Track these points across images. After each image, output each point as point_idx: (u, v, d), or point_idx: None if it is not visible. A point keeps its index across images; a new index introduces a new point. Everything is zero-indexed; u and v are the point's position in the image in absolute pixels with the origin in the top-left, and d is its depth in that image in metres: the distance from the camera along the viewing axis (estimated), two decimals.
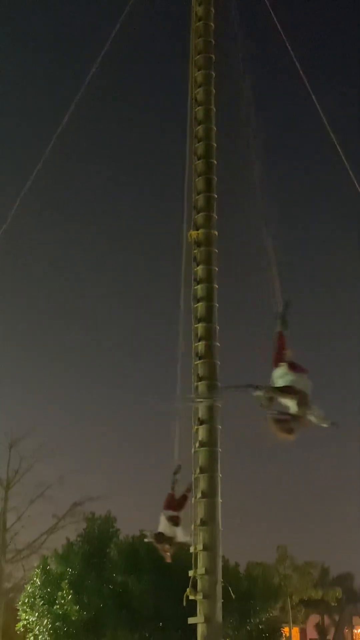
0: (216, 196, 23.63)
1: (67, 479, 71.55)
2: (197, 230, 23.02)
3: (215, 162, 23.70)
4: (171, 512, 16.22)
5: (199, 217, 23.27)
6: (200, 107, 22.45)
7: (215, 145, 23.50)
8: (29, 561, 47.39)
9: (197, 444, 21.73)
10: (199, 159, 23.56)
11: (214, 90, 22.39)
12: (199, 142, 23.55)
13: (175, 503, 16.35)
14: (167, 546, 15.86)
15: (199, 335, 22.62)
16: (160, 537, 16.62)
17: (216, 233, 23.31)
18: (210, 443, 21.75)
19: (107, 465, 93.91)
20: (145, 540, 16.81)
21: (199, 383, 22.18)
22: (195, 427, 21.87)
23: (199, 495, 21.28)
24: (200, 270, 22.91)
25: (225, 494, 21.94)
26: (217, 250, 23.38)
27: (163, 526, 16.23)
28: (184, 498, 16.00)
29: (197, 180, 23.58)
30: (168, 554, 16.15)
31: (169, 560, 16.94)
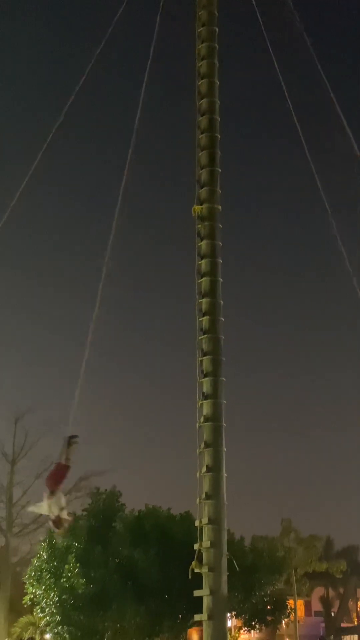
0: (220, 170, 23.49)
1: (74, 454, 71.91)
2: (201, 204, 22.93)
3: (219, 136, 23.54)
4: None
5: (203, 192, 23.14)
6: (203, 80, 22.26)
7: (219, 119, 23.33)
8: (35, 535, 47.83)
9: (201, 419, 21.81)
10: (202, 133, 23.40)
11: (217, 63, 22.19)
12: (202, 116, 23.39)
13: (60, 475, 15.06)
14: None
15: (203, 310, 22.60)
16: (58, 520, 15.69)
17: (220, 208, 23.20)
18: (214, 418, 21.82)
19: (112, 441, 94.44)
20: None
21: (204, 358, 22.22)
22: (200, 402, 21.94)
23: (204, 469, 21.39)
24: (204, 245, 22.82)
25: (230, 469, 22.04)
26: (221, 225, 23.30)
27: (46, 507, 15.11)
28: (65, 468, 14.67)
29: (200, 154, 23.45)
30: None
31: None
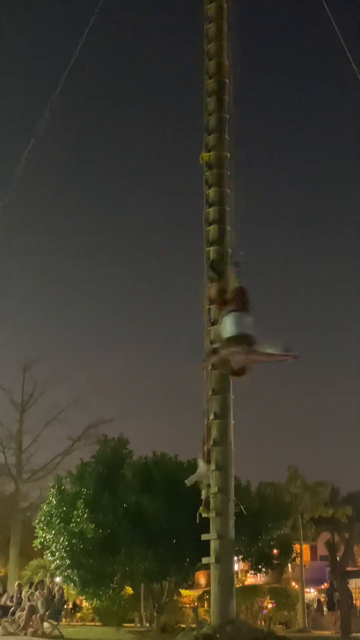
0: (228, 117, 23.18)
1: (81, 402, 72.66)
2: (209, 152, 22.70)
3: (227, 81, 23.18)
4: None
5: (211, 139, 22.90)
6: (211, 24, 21.86)
7: (228, 63, 22.94)
8: (44, 481, 48.61)
9: (209, 367, 21.91)
10: (210, 78, 23.05)
11: (225, 6, 21.75)
12: (210, 60, 23.01)
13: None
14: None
15: (211, 258, 22.54)
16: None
17: (228, 155, 22.97)
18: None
19: (120, 389, 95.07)
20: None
21: (211, 306, 22.21)
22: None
23: (211, 416, 21.55)
24: (211, 193, 22.68)
25: (237, 416, 22.21)
26: (229, 173, 23.08)
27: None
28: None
29: (208, 100, 23.12)
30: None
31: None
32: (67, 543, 27.44)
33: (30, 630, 26.22)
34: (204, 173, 22.83)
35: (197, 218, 22.97)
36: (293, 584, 44.11)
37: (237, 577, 31.10)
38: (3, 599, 29.83)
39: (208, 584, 30.88)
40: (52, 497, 29.32)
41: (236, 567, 29.16)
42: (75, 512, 27.36)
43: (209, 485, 18.84)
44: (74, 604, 42.46)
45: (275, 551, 32.46)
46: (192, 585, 42.09)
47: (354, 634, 31.09)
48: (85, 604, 40.52)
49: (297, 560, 36.88)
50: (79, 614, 42.43)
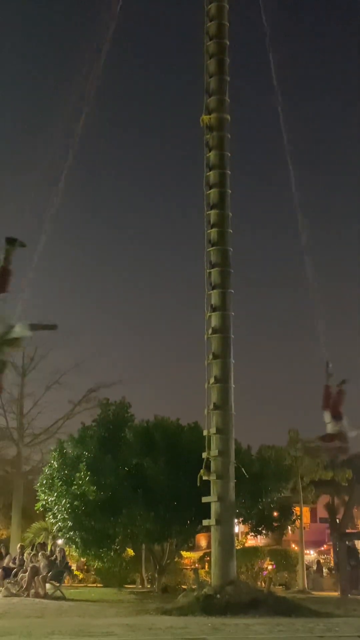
0: (229, 79, 22.97)
1: (82, 366, 72.71)
2: (209, 114, 22.55)
3: (228, 42, 22.94)
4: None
5: (212, 101, 22.76)
6: None
7: (229, 24, 22.72)
8: (46, 445, 48.76)
9: (209, 331, 21.98)
10: (210, 39, 22.81)
11: None
12: (211, 21, 22.77)
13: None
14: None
15: (211, 222, 22.51)
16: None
17: (229, 117, 22.81)
18: (223, 330, 22.02)
19: (122, 353, 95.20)
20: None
21: (212, 270, 22.24)
22: (208, 314, 22.07)
23: (212, 380, 21.67)
24: (212, 156, 22.58)
25: (237, 380, 22.29)
26: (229, 135, 22.93)
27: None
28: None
29: (208, 62, 22.90)
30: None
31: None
32: (68, 505, 27.67)
33: (32, 591, 26.56)
34: (204, 135, 22.71)
35: (198, 182, 22.86)
36: (293, 545, 44.52)
37: (237, 539, 31.41)
38: (5, 561, 30.13)
39: (209, 546, 31.19)
40: (54, 460, 29.50)
41: (236, 529, 29.45)
42: (77, 475, 27.55)
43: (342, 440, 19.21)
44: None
45: (275, 513, 32.73)
46: (192, 547, 42.52)
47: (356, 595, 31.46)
48: (74, 567, 40.99)
49: (297, 522, 37.19)
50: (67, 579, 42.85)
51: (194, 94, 22.32)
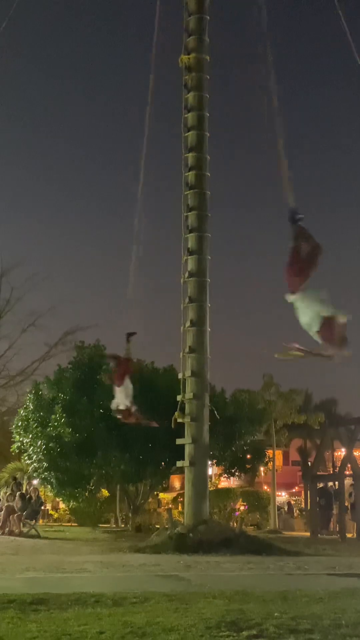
0: (209, 18, 22.59)
1: (59, 309, 72.58)
2: (189, 54, 22.21)
3: None
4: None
5: (190, 41, 22.41)
6: None
7: None
8: (21, 387, 48.85)
9: (186, 275, 21.99)
10: None
11: None
12: None
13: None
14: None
15: (189, 164, 22.34)
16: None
17: (208, 58, 22.50)
18: (199, 273, 22.04)
19: (97, 296, 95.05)
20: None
21: (189, 213, 22.16)
22: (185, 257, 22.05)
23: (187, 324, 21.76)
24: (191, 97, 22.32)
25: (213, 324, 22.37)
26: (208, 77, 22.64)
27: None
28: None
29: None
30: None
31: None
32: (44, 447, 27.87)
33: (7, 529, 26.92)
34: (182, 76, 22.41)
35: (177, 124, 22.62)
36: (265, 487, 45.20)
37: (210, 481, 31.85)
38: None
39: (182, 487, 31.61)
40: (30, 402, 29.61)
41: (210, 470, 29.80)
42: (52, 417, 27.69)
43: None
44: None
45: (248, 456, 33.15)
46: (166, 489, 43.08)
47: (330, 536, 32.14)
48: (49, 507, 41.43)
49: (270, 464, 37.72)
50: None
51: (174, 33, 21.93)
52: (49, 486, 29.93)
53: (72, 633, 7.12)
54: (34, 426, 28.50)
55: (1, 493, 30.46)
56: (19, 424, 29.58)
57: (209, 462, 27.67)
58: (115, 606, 8.95)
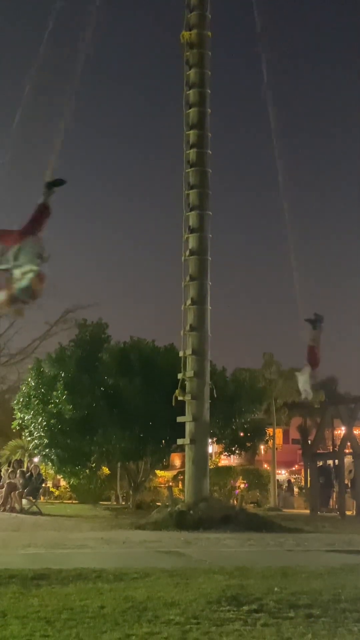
0: None
1: (60, 288, 72.33)
2: (190, 30, 22.05)
3: None
4: None
5: (192, 16, 22.25)
6: None
7: None
8: (22, 365, 48.82)
9: (187, 253, 21.96)
10: None
11: None
12: None
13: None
14: None
15: (190, 142, 22.25)
16: None
17: (210, 34, 22.34)
18: (200, 252, 22.02)
19: (99, 275, 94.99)
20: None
21: (190, 191, 22.10)
22: (186, 235, 22.02)
23: (188, 302, 21.76)
24: (192, 74, 22.18)
25: (214, 303, 22.40)
26: (210, 53, 22.49)
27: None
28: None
29: None
30: None
31: None
32: (45, 423, 27.94)
33: (9, 506, 27.08)
34: (184, 53, 22.28)
35: (179, 101, 22.51)
36: (265, 465, 45.37)
37: (210, 459, 31.96)
38: None
39: (183, 465, 31.76)
40: (31, 379, 29.64)
41: (210, 448, 29.89)
42: (54, 394, 27.74)
43: None
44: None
45: (248, 434, 33.24)
46: (167, 467, 43.24)
47: (330, 513, 32.32)
48: (50, 485, 41.52)
49: (270, 443, 37.83)
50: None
51: (175, 9, 21.79)
52: (50, 463, 30.02)
53: (73, 608, 7.18)
54: (35, 403, 28.57)
55: (2, 470, 30.57)
56: (21, 400, 29.63)
57: (210, 440, 27.75)
58: (116, 581, 9.02)
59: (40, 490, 30.05)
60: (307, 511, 33.46)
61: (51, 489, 42.98)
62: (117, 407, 27.41)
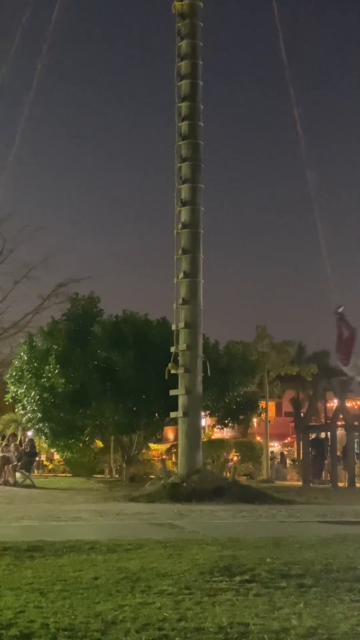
0: None
1: (52, 261, 72.28)
2: (182, 0, 21.83)
3: None
4: None
5: None
6: None
7: None
8: (15, 339, 48.80)
9: (179, 226, 21.91)
10: None
11: None
12: None
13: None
14: None
15: (182, 114, 22.12)
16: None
17: (201, 4, 22.12)
18: (192, 224, 21.96)
19: (91, 248, 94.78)
20: None
21: (182, 164, 22.00)
22: (178, 208, 21.95)
23: (181, 275, 21.74)
24: (184, 45, 22.00)
25: (206, 276, 22.38)
26: (202, 24, 22.28)
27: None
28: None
29: None
30: None
31: None
32: (38, 397, 27.99)
33: (2, 480, 27.20)
34: (176, 23, 22.07)
35: (170, 73, 22.35)
36: (258, 438, 45.64)
37: (203, 431, 32.10)
38: None
39: (176, 438, 31.88)
40: (24, 353, 29.64)
41: (203, 421, 30.01)
42: (46, 367, 27.76)
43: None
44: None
45: (241, 407, 33.36)
46: (160, 440, 43.45)
47: (322, 485, 32.55)
48: (43, 458, 41.66)
49: (263, 415, 38.01)
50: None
51: None
52: (43, 437, 30.13)
53: (67, 579, 7.22)
54: (27, 377, 28.59)
55: None
56: (13, 374, 29.65)
57: (202, 413, 27.86)
58: (109, 553, 9.07)
59: (34, 464, 30.17)
60: (300, 483, 33.72)
61: (45, 462, 43.18)
62: (110, 381, 27.45)
